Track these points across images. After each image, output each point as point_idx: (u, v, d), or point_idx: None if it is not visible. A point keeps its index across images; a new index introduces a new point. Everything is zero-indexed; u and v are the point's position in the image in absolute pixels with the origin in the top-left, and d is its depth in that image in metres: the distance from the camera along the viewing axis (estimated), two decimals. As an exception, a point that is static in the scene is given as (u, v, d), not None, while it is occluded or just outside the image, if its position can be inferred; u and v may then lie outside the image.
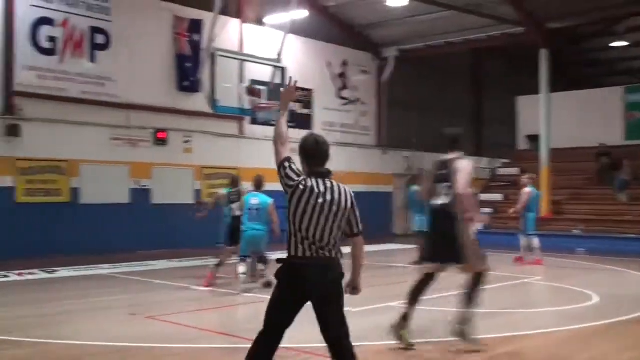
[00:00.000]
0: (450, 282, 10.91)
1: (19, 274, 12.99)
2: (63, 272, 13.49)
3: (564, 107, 24.38)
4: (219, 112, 16.29)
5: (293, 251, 4.76)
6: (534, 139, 24.89)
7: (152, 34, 18.47)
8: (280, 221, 10.50)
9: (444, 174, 7.44)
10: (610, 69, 32.73)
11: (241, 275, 11.00)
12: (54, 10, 16.57)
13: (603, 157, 22.99)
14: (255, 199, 11.24)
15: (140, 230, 17.51)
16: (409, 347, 7.15)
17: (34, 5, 16.21)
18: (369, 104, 25.25)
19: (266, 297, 9.31)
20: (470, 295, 7.49)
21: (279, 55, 16.58)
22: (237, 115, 18.68)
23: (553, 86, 22.56)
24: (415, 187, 15.51)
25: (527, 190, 16.69)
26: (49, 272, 13.39)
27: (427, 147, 27.10)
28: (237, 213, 11.78)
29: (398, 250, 19.43)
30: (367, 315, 9.27)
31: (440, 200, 7.36)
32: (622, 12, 21.75)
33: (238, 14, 20.54)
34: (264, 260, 11.24)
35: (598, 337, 7.99)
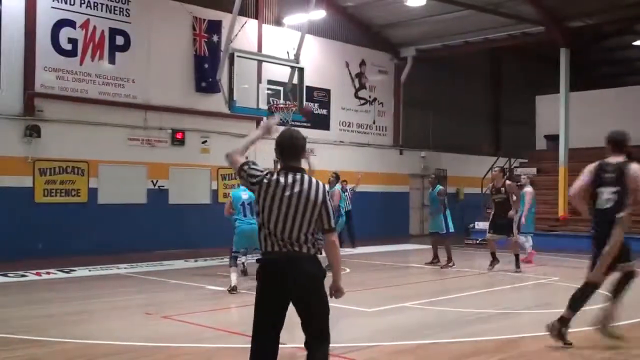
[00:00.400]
0: (457, 285, 10.96)
1: (37, 274, 13.11)
2: (80, 272, 13.59)
3: (584, 106, 24.17)
4: (236, 113, 16.38)
5: (263, 247, 4.67)
6: (552, 138, 24.70)
7: (171, 35, 18.57)
8: None
9: (611, 178, 7.34)
10: (632, 68, 32.39)
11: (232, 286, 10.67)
12: (75, 12, 16.72)
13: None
14: (245, 194, 10.96)
15: (157, 231, 17.61)
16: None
17: (54, 7, 16.37)
18: (386, 104, 25.21)
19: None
20: (620, 293, 7.55)
21: (297, 55, 16.64)
22: (254, 115, 18.75)
23: (573, 85, 22.37)
24: (439, 187, 15.30)
25: (529, 189, 16.62)
26: (67, 272, 13.50)
27: (444, 148, 27.12)
28: None
29: (414, 251, 19.39)
30: (382, 316, 9.28)
31: (607, 205, 7.40)
32: (644, 10, 21.55)
33: (256, 14, 20.61)
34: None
35: (615, 339, 7.90)
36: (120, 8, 17.53)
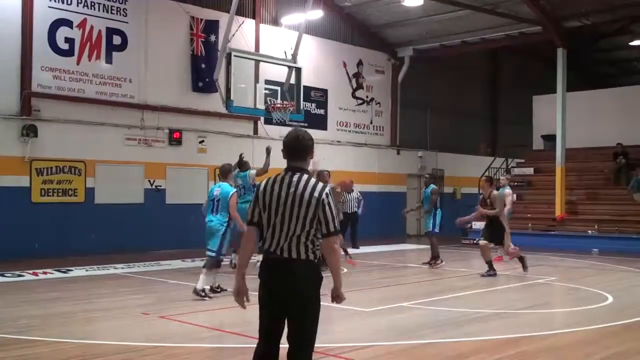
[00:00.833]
0: (455, 284, 10.98)
1: (34, 274, 13.08)
2: (77, 272, 13.55)
3: (581, 106, 24.23)
4: (233, 112, 16.36)
5: (264, 246, 4.60)
6: (549, 138, 24.74)
7: (168, 34, 18.56)
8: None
9: None
10: (629, 68, 32.45)
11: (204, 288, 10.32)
12: (72, 11, 16.69)
13: (620, 157, 22.82)
14: (218, 190, 10.59)
15: (154, 230, 17.60)
16: None
17: (51, 7, 16.34)
18: (383, 104, 25.22)
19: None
20: None
21: (295, 55, 16.64)
22: (251, 115, 18.77)
23: (570, 85, 22.42)
24: (432, 187, 15.33)
25: (508, 190, 16.67)
26: (64, 272, 13.47)
27: (441, 148, 27.16)
28: None
29: (411, 250, 19.41)
30: (380, 316, 9.28)
31: None
32: (641, 10, 21.59)
33: (254, 14, 20.60)
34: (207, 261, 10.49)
35: (613, 338, 7.94)
36: (117, 8, 17.51)
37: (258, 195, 4.65)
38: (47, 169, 16.24)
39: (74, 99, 16.68)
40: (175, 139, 18.56)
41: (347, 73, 23.88)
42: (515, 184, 24.92)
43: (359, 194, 18.75)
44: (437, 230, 15.13)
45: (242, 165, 13.92)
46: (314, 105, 22.47)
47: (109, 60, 17.38)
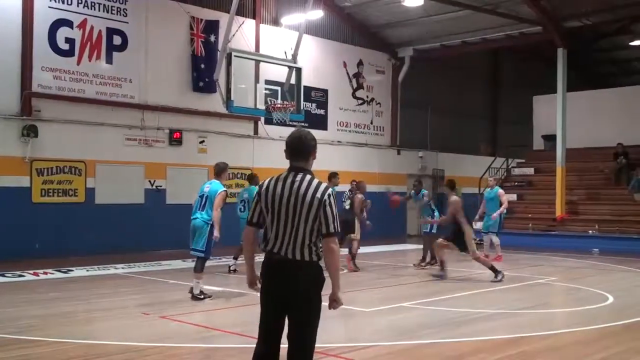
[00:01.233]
0: (455, 285, 10.98)
1: (34, 274, 13.08)
2: (78, 272, 13.56)
3: (581, 106, 24.23)
4: (233, 112, 16.36)
5: (266, 246, 4.61)
6: (549, 138, 24.74)
7: (169, 34, 18.56)
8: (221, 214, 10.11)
9: None
10: (629, 68, 32.45)
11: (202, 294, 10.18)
12: (72, 11, 16.68)
13: (621, 157, 22.81)
14: (208, 186, 10.54)
15: (154, 230, 17.59)
16: None
17: (52, 7, 16.34)
18: (383, 104, 25.21)
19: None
20: None
21: (295, 55, 16.64)
22: (251, 115, 18.77)
23: (570, 85, 22.42)
24: (425, 192, 15.60)
25: (502, 191, 16.72)
26: (64, 272, 13.47)
27: (441, 148, 27.15)
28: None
29: (411, 251, 19.39)
30: (380, 316, 9.28)
31: None
32: (641, 10, 21.58)
33: (254, 14, 20.60)
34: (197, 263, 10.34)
35: (613, 338, 7.94)
36: (117, 8, 17.50)
37: (260, 195, 4.64)
38: (48, 169, 16.24)
39: (74, 99, 16.68)
40: (175, 139, 18.56)
41: (348, 73, 23.87)
42: (516, 184, 24.94)
43: (364, 195, 18.71)
44: (432, 231, 15.16)
45: (252, 179, 13.82)
46: (314, 105, 22.47)
47: (109, 60, 17.38)
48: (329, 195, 4.54)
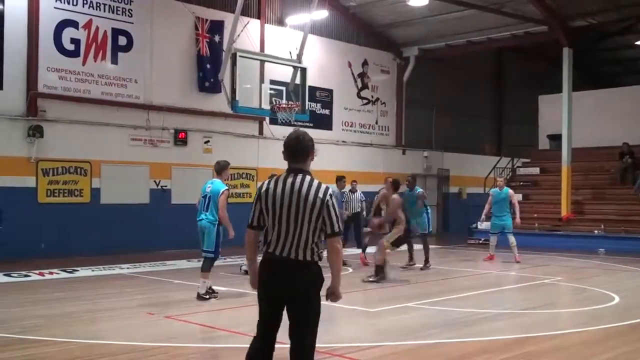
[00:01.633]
0: (460, 284, 10.94)
1: (40, 274, 13.11)
2: (83, 272, 13.58)
3: (586, 106, 24.18)
4: (238, 113, 16.37)
5: (267, 246, 4.66)
6: (555, 138, 24.68)
7: (174, 35, 18.58)
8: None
9: None
10: (635, 67, 32.33)
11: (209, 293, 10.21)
12: (77, 12, 16.72)
13: (626, 157, 22.75)
14: (210, 186, 10.53)
15: (159, 230, 17.61)
16: None
17: (57, 8, 16.37)
18: (388, 104, 25.20)
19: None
20: None
21: (300, 55, 16.63)
22: (256, 115, 18.78)
23: (575, 85, 22.36)
24: (419, 190, 15.20)
25: (512, 191, 16.67)
26: (70, 272, 13.49)
27: (447, 147, 27.12)
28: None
29: (416, 250, 19.34)
30: (385, 316, 9.27)
31: None
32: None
33: (259, 14, 20.61)
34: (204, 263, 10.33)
35: (619, 338, 7.91)
36: (122, 8, 17.54)
37: (260, 197, 4.66)
38: (53, 170, 16.27)
39: (80, 99, 16.72)
40: (180, 139, 18.58)
41: (352, 73, 23.86)
42: (521, 183, 24.89)
43: (362, 195, 18.73)
44: (420, 230, 15.08)
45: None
46: (319, 105, 22.46)
47: (114, 60, 17.41)
48: (331, 195, 4.59)
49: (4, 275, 12.75)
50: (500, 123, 30.95)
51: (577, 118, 22.43)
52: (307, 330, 4.60)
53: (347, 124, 23.64)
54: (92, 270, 13.82)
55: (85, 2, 16.85)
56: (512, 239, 16.08)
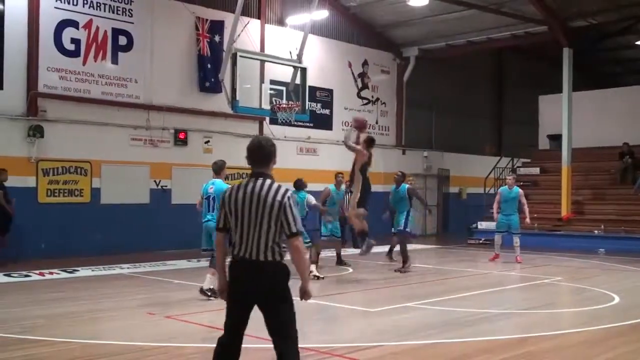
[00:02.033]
0: (460, 284, 10.92)
1: (40, 274, 13.11)
2: (83, 272, 13.58)
3: (587, 106, 24.17)
4: (239, 113, 16.38)
5: (231, 250, 4.88)
6: (555, 138, 24.69)
7: (174, 35, 18.58)
8: None
9: None
10: (635, 67, 32.33)
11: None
12: (77, 12, 16.72)
13: (626, 157, 22.75)
14: (212, 187, 10.57)
15: (160, 231, 17.61)
16: None
17: (57, 8, 16.37)
18: (389, 104, 25.20)
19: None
20: None
21: (300, 55, 16.64)
22: (257, 115, 18.79)
23: (576, 85, 22.35)
24: (407, 186, 14.60)
25: (522, 191, 16.63)
26: (70, 272, 13.50)
27: (447, 147, 27.12)
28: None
29: (416, 250, 19.36)
30: (385, 316, 9.27)
31: None
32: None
33: (259, 14, 20.61)
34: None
35: (619, 339, 7.91)
36: (123, 8, 17.54)
37: (224, 202, 4.87)
38: (53, 170, 16.28)
39: (80, 99, 16.72)
40: (180, 139, 18.59)
41: (353, 73, 23.87)
42: (522, 183, 24.86)
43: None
44: (409, 230, 14.41)
45: (300, 185, 13.69)
46: (319, 105, 22.47)
47: (114, 60, 17.42)
48: (289, 197, 4.77)
49: (4, 275, 12.76)
50: (501, 123, 30.95)
51: (577, 118, 22.43)
52: (285, 323, 4.76)
53: (347, 124, 23.56)
54: (92, 270, 13.83)
55: (85, 2, 16.85)
56: (516, 239, 16.07)
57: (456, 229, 25.11)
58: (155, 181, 18.18)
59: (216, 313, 9.31)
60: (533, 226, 21.67)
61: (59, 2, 16.39)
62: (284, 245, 4.78)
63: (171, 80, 18.53)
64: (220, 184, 10.42)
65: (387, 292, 11.74)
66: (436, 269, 14.95)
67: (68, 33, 16.56)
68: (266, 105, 16.06)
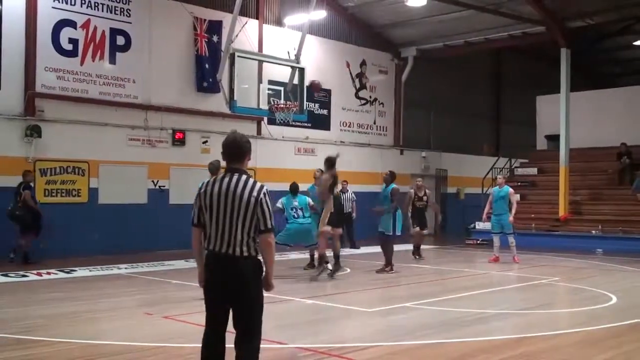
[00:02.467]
0: (458, 285, 10.91)
1: (38, 274, 13.10)
2: (81, 272, 13.57)
3: (585, 106, 24.20)
4: (237, 113, 16.35)
5: (206, 244, 4.93)
6: (553, 138, 24.71)
7: (172, 35, 18.58)
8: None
9: None
10: (633, 68, 32.39)
11: None
12: (75, 12, 16.72)
13: (624, 157, 22.78)
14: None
15: (158, 231, 17.61)
16: None
17: (55, 7, 16.36)
18: (387, 104, 25.22)
19: (284, 297, 9.35)
20: None
21: (298, 55, 16.63)
22: (255, 115, 18.78)
23: (573, 85, 22.37)
24: (393, 186, 14.00)
25: (512, 190, 16.65)
26: (67, 272, 13.48)
27: (445, 148, 27.14)
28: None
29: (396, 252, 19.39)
30: (382, 316, 9.28)
31: None
32: (645, 9, 21.55)
33: (257, 14, 20.61)
34: None
35: (617, 338, 7.91)
36: (120, 8, 17.53)
37: (200, 196, 4.93)
38: (51, 169, 16.27)
39: (78, 99, 16.71)
40: (178, 139, 18.59)
41: (351, 73, 23.88)
42: (519, 184, 24.89)
43: (353, 195, 18.77)
44: (398, 233, 13.97)
45: (295, 188, 13.73)
46: (317, 105, 22.47)
47: (112, 60, 17.41)
48: (264, 194, 4.85)
49: (2, 275, 12.74)
50: (498, 123, 30.99)
51: (575, 118, 22.45)
52: (252, 317, 4.88)
53: (345, 124, 23.66)
54: (90, 271, 13.82)
55: (83, 1, 16.85)
56: (511, 239, 16.09)
57: (454, 229, 25.11)
58: (153, 181, 18.18)
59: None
60: (531, 226, 21.74)
61: (56, 2, 16.39)
62: (257, 241, 4.84)
63: (169, 80, 18.53)
64: None
65: (384, 292, 11.75)
66: (434, 269, 14.96)
67: (66, 33, 16.55)
68: (264, 106, 16.03)
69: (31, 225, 14.86)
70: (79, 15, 16.79)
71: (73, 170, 16.67)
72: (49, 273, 13.25)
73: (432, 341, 7.57)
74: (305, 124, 20.76)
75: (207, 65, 18.97)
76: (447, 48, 24.93)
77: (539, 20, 21.76)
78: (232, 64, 15.13)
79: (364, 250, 18.40)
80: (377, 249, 14.55)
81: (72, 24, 16.66)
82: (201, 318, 8.76)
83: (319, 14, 20.20)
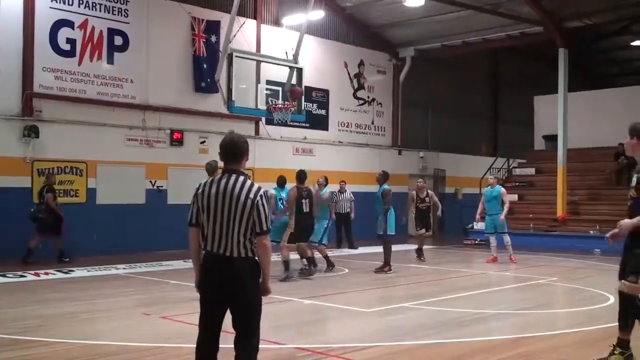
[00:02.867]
0: (456, 285, 10.91)
1: (36, 274, 13.09)
2: (79, 273, 13.56)
3: (582, 106, 24.20)
4: (235, 113, 16.35)
5: (203, 245, 4.92)
6: (551, 139, 24.72)
7: (170, 35, 18.56)
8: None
9: None
10: (630, 68, 32.43)
11: None
12: (73, 12, 16.69)
13: (622, 157, 22.79)
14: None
15: (155, 231, 17.60)
16: None
17: (53, 7, 16.35)
18: (385, 104, 25.22)
19: (282, 297, 9.35)
20: None
21: (296, 55, 16.63)
22: (253, 115, 18.77)
23: (571, 85, 22.39)
24: (385, 187, 14.01)
25: (504, 190, 16.67)
26: (65, 273, 13.48)
27: (442, 148, 27.16)
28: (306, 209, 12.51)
29: (412, 251, 19.38)
30: (381, 316, 9.28)
31: None
32: (642, 10, 21.57)
33: (255, 14, 20.61)
34: None
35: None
36: (118, 8, 17.52)
37: (197, 197, 4.92)
38: (49, 170, 16.23)
39: (76, 99, 16.69)
40: (176, 139, 18.57)
41: (349, 73, 23.88)
42: (517, 184, 24.91)
43: (351, 195, 18.79)
44: (393, 232, 14.03)
45: (282, 181, 13.76)
46: (315, 105, 22.47)
47: (110, 60, 17.39)
48: (261, 196, 4.84)
49: (0, 275, 12.72)
50: (496, 124, 31.01)
51: (573, 119, 22.47)
52: (250, 319, 4.89)
53: (343, 124, 23.65)
54: (88, 271, 13.81)
55: (81, 2, 16.83)
56: (506, 238, 16.11)
57: (452, 229, 25.12)
58: (151, 181, 18.17)
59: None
60: (528, 226, 21.75)
61: (54, 2, 16.37)
62: (255, 242, 4.83)
63: (167, 81, 18.51)
64: None
65: (383, 292, 11.75)
66: (432, 269, 14.97)
67: (63, 33, 16.53)
68: (262, 106, 16.02)
69: (52, 227, 15.05)
70: (77, 16, 16.77)
71: (71, 171, 16.66)
72: (47, 273, 13.24)
73: (430, 341, 7.58)
74: (303, 124, 20.76)
75: (205, 66, 18.96)
76: (445, 48, 24.94)
77: (536, 20, 21.78)
78: (230, 64, 15.13)
79: (362, 250, 18.42)
80: (376, 249, 14.57)
81: (69, 24, 16.64)
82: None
83: (317, 14, 20.19)
